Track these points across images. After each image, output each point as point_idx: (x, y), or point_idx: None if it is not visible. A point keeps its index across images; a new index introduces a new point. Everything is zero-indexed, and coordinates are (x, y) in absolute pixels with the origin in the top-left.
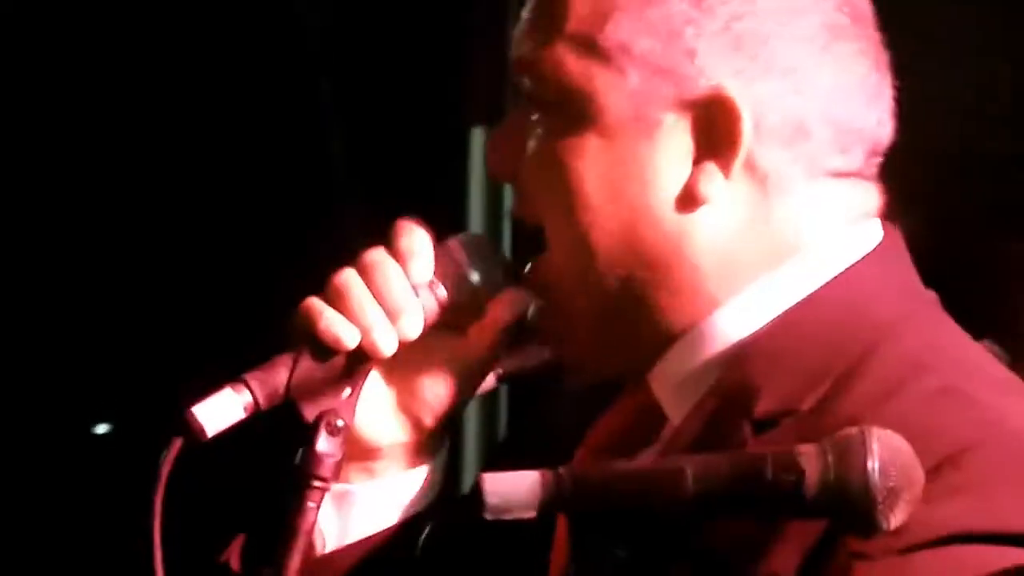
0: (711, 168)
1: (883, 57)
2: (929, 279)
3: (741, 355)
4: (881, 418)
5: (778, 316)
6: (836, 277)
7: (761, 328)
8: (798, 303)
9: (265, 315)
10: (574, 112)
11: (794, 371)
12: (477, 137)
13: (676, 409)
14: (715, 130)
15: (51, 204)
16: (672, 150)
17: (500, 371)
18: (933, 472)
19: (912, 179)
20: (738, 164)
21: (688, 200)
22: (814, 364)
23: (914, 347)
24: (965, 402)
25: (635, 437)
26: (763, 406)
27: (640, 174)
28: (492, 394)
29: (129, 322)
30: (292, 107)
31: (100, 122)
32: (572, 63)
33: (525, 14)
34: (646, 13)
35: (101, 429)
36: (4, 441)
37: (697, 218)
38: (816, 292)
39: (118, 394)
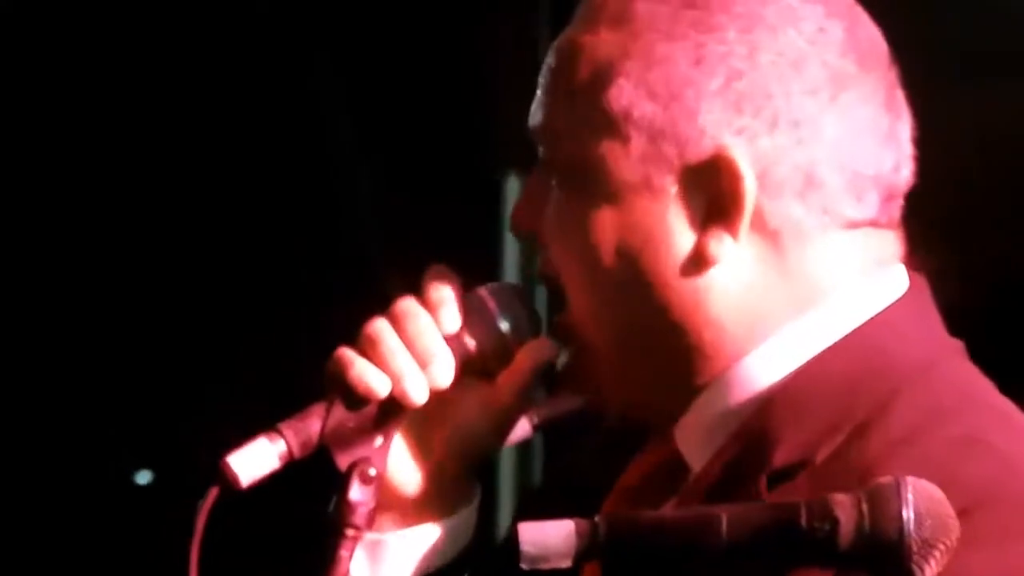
0: (719, 230)
1: (897, 99)
2: None
3: (761, 405)
4: (897, 466)
5: (800, 366)
6: (859, 327)
7: (782, 378)
8: (820, 353)
9: (303, 365)
10: (584, 179)
11: (812, 422)
12: (512, 185)
13: (697, 458)
14: (719, 191)
15: (93, 256)
16: (680, 213)
17: (535, 420)
18: None
19: None
20: (744, 224)
21: (699, 262)
22: (832, 414)
23: (935, 397)
24: (986, 452)
25: (659, 488)
26: (779, 458)
27: (651, 239)
28: (526, 442)
29: (171, 371)
30: (325, 157)
31: (144, 180)
32: (578, 131)
33: (539, 80)
34: (646, 77)
35: (143, 478)
36: (47, 490)
37: (710, 279)
38: (839, 342)
39: (159, 443)
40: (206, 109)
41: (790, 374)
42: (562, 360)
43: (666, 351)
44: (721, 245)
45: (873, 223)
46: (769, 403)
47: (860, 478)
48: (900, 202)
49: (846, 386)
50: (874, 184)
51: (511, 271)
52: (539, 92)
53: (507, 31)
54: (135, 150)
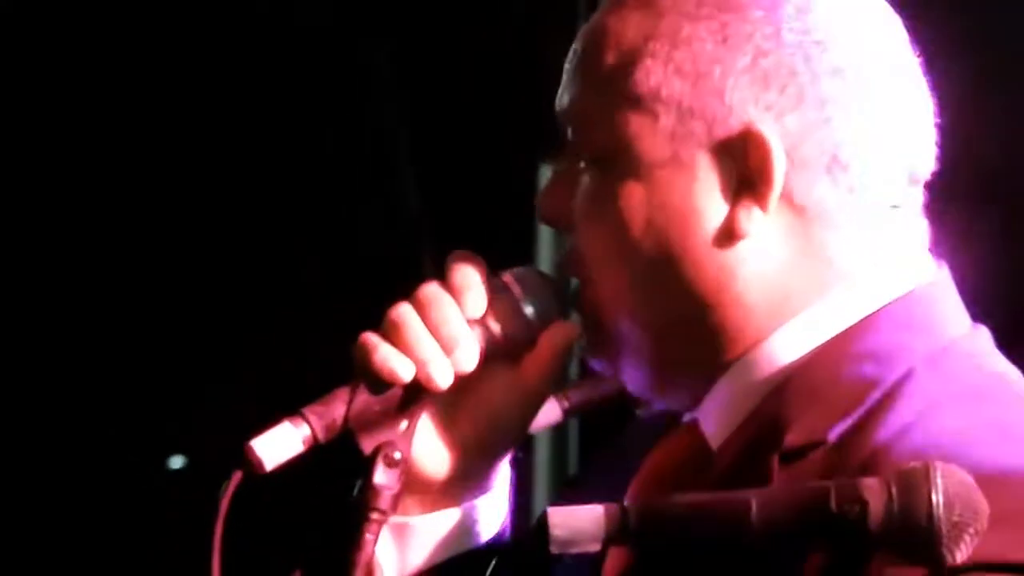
0: (748, 204)
1: (920, 82)
2: None
3: (777, 386)
4: (905, 449)
5: (817, 347)
6: (878, 311)
7: (799, 359)
8: (837, 335)
9: (343, 353)
10: (613, 159)
11: (826, 402)
12: (547, 174)
13: (717, 440)
14: (749, 166)
15: (131, 253)
16: (709, 189)
17: (566, 404)
18: None
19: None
20: (774, 198)
21: (728, 237)
22: (846, 396)
23: (946, 383)
24: (997, 434)
25: (685, 470)
26: (792, 438)
27: (680, 215)
28: (562, 428)
29: (205, 356)
30: (365, 146)
31: (190, 178)
32: (606, 112)
33: (566, 66)
34: (673, 56)
35: (176, 463)
36: (80, 474)
37: (739, 254)
38: (856, 324)
39: (193, 428)
40: (257, 125)
41: (807, 355)
42: (583, 343)
43: (692, 330)
44: (751, 219)
45: (897, 207)
46: (785, 384)
47: (870, 461)
48: (922, 188)
49: (858, 370)
50: (899, 167)
51: (545, 258)
52: (566, 76)
53: (546, 20)
54: (171, 144)
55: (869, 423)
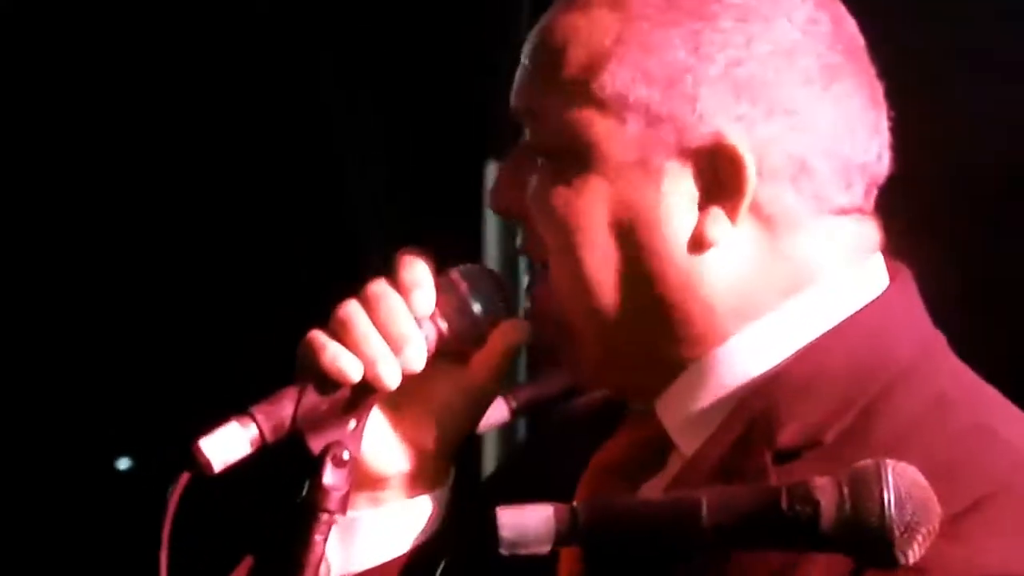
0: (717, 213)
1: (878, 90)
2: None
3: (763, 386)
4: (909, 453)
5: (800, 349)
6: (857, 312)
7: (784, 360)
8: (820, 337)
9: (287, 351)
10: (577, 158)
11: (818, 402)
12: (493, 171)
13: (686, 438)
14: (719, 177)
15: (82, 245)
16: (677, 196)
17: (514, 404)
18: (968, 511)
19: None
20: (744, 208)
21: (696, 244)
22: (838, 396)
23: (940, 383)
24: (996, 441)
25: (641, 462)
26: (786, 437)
27: (646, 218)
28: (509, 429)
29: (154, 358)
30: (312, 143)
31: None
32: (570, 111)
33: (523, 62)
34: (643, 61)
35: (123, 464)
36: (27, 475)
37: (706, 260)
38: (838, 326)
39: (141, 430)
40: (199, 105)
41: (791, 356)
42: (534, 337)
43: (650, 326)
44: (718, 227)
45: (859, 210)
46: (772, 383)
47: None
48: (875, 192)
49: (850, 369)
50: (861, 172)
51: (492, 252)
52: (523, 70)
53: (493, 16)
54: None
55: (868, 422)
